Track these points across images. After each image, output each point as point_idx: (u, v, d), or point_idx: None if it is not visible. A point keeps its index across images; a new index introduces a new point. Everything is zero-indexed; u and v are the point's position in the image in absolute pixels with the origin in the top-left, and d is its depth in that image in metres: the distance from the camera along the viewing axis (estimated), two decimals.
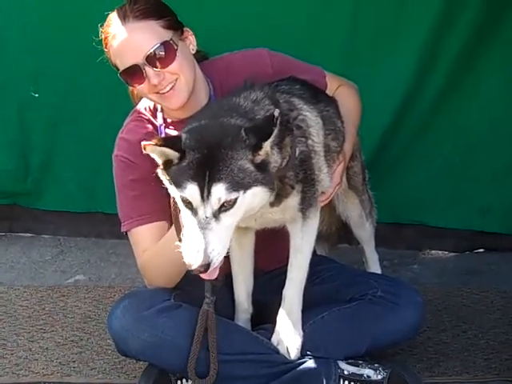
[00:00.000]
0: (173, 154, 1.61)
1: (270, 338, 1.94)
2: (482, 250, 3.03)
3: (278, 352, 1.92)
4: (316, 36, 2.84)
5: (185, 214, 1.63)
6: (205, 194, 1.57)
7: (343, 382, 1.90)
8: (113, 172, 2.06)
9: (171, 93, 1.94)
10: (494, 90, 2.89)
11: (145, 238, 2.01)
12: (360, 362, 1.94)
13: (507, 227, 3.00)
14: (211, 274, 1.65)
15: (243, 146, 1.61)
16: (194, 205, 1.59)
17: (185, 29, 2.00)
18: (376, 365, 1.92)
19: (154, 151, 1.63)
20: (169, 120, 2.07)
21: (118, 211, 2.07)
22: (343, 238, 2.65)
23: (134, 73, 1.92)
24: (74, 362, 2.19)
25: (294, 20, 2.84)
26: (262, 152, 1.62)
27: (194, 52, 2.03)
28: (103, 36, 1.96)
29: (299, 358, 1.92)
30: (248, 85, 1.91)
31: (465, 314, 2.43)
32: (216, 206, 1.58)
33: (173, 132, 2.04)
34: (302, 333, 1.93)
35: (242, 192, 1.60)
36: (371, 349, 1.99)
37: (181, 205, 1.63)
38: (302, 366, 1.91)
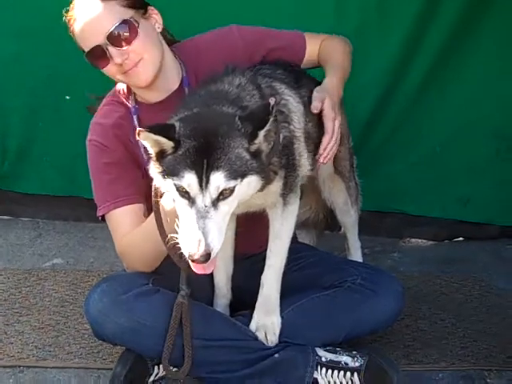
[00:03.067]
0: (167, 143, 1.58)
1: (248, 325, 1.93)
2: (461, 239, 3.06)
3: (256, 338, 1.91)
4: (300, 22, 2.78)
5: (181, 204, 1.60)
6: (203, 183, 1.55)
7: (321, 368, 1.90)
8: (88, 158, 2.05)
9: (135, 70, 1.92)
10: (475, 81, 2.90)
11: (123, 221, 1.99)
12: (338, 349, 1.94)
13: (487, 217, 3.03)
14: (209, 267, 1.62)
15: (240, 134, 1.59)
16: (192, 194, 1.56)
17: (149, 7, 1.98)
18: (354, 352, 1.93)
19: (148, 139, 1.59)
20: (143, 102, 2.04)
21: (93, 196, 2.05)
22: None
23: (99, 54, 1.91)
24: (50, 345, 2.17)
25: (277, 13, 2.82)
26: (257, 140, 1.61)
27: (159, 30, 2.00)
28: (67, 21, 1.95)
29: (277, 345, 1.91)
30: (229, 69, 1.88)
31: (443, 303, 2.44)
32: (215, 195, 1.56)
33: (146, 115, 2.00)
34: (280, 319, 1.93)
35: (239, 180, 1.58)
36: (349, 336, 1.99)
37: (176, 195, 1.60)
38: (279, 353, 1.91)
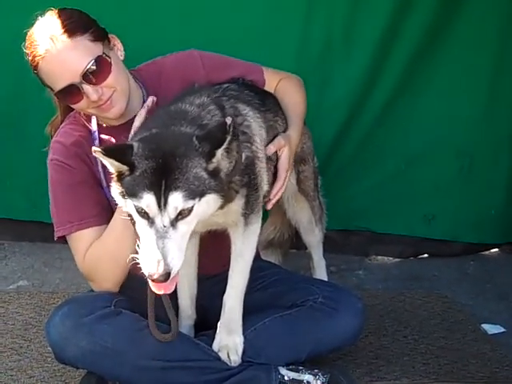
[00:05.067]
0: (121, 167, 1.61)
1: (211, 345, 1.93)
2: (426, 256, 3.10)
3: (219, 359, 1.91)
4: (268, 42, 2.86)
5: (140, 224, 1.61)
6: (162, 203, 1.56)
7: None
8: (48, 176, 2.03)
9: (109, 104, 1.93)
10: (438, 101, 2.98)
11: (86, 243, 1.98)
12: (300, 367, 1.95)
13: (451, 234, 3.10)
14: (169, 286, 1.64)
15: (197, 154, 1.61)
16: (151, 214, 1.58)
17: (110, 36, 1.98)
18: (316, 370, 1.94)
19: (104, 159, 1.61)
20: (104, 125, 2.05)
21: (52, 215, 2.04)
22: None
23: (71, 92, 1.90)
24: (12, 369, 2.14)
25: (246, 25, 2.86)
26: (214, 159, 1.63)
27: (122, 58, 2.01)
28: (30, 57, 1.91)
29: (240, 365, 1.92)
30: (195, 89, 1.91)
31: (406, 319, 2.47)
32: (173, 215, 1.57)
33: (107, 138, 2.01)
34: (242, 339, 1.93)
35: (197, 200, 1.60)
36: (312, 354, 2.01)
37: (136, 215, 1.62)
38: (242, 373, 1.91)
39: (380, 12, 2.86)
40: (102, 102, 1.92)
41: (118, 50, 2.00)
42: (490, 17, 2.90)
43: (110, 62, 1.92)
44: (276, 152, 2.04)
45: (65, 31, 1.87)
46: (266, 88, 2.18)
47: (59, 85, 1.90)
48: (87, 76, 1.88)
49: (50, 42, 1.87)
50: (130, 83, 2.02)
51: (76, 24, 1.89)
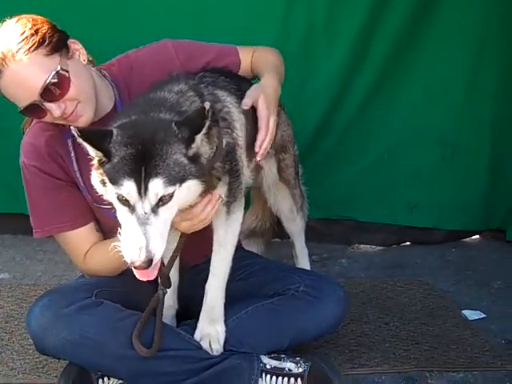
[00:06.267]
0: (97, 154, 1.60)
1: (193, 334, 1.93)
2: (408, 244, 3.12)
3: (200, 348, 1.91)
4: (247, 32, 2.84)
5: (121, 212, 1.61)
6: (142, 190, 1.56)
7: (265, 375, 1.91)
8: (22, 178, 2.01)
9: (75, 115, 1.89)
10: (420, 90, 3.00)
11: (77, 243, 2.02)
12: (282, 355, 1.96)
13: (433, 222, 3.12)
14: (152, 273, 1.63)
15: (176, 139, 1.61)
16: (132, 201, 1.57)
17: (69, 41, 1.91)
18: (297, 358, 1.95)
19: (82, 143, 1.60)
20: None
21: (30, 215, 2.03)
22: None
23: (34, 110, 1.86)
24: None
25: (224, 19, 2.85)
26: (194, 145, 1.63)
27: (86, 62, 1.95)
28: None
29: (222, 354, 1.92)
30: (174, 77, 1.90)
31: (388, 306, 2.48)
32: (154, 201, 1.57)
33: None
34: (224, 328, 1.93)
35: (177, 185, 1.60)
36: (294, 342, 2.01)
37: (116, 203, 1.61)
38: (224, 362, 1.91)
39: (361, 2, 2.86)
40: (66, 115, 1.87)
41: (81, 55, 1.93)
42: (471, 5, 2.91)
43: (68, 76, 1.85)
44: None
45: (18, 50, 1.80)
46: (243, 64, 2.16)
47: (21, 104, 1.85)
48: (46, 94, 1.82)
49: (3, 64, 1.80)
50: (97, 84, 1.97)
51: (29, 39, 1.81)
